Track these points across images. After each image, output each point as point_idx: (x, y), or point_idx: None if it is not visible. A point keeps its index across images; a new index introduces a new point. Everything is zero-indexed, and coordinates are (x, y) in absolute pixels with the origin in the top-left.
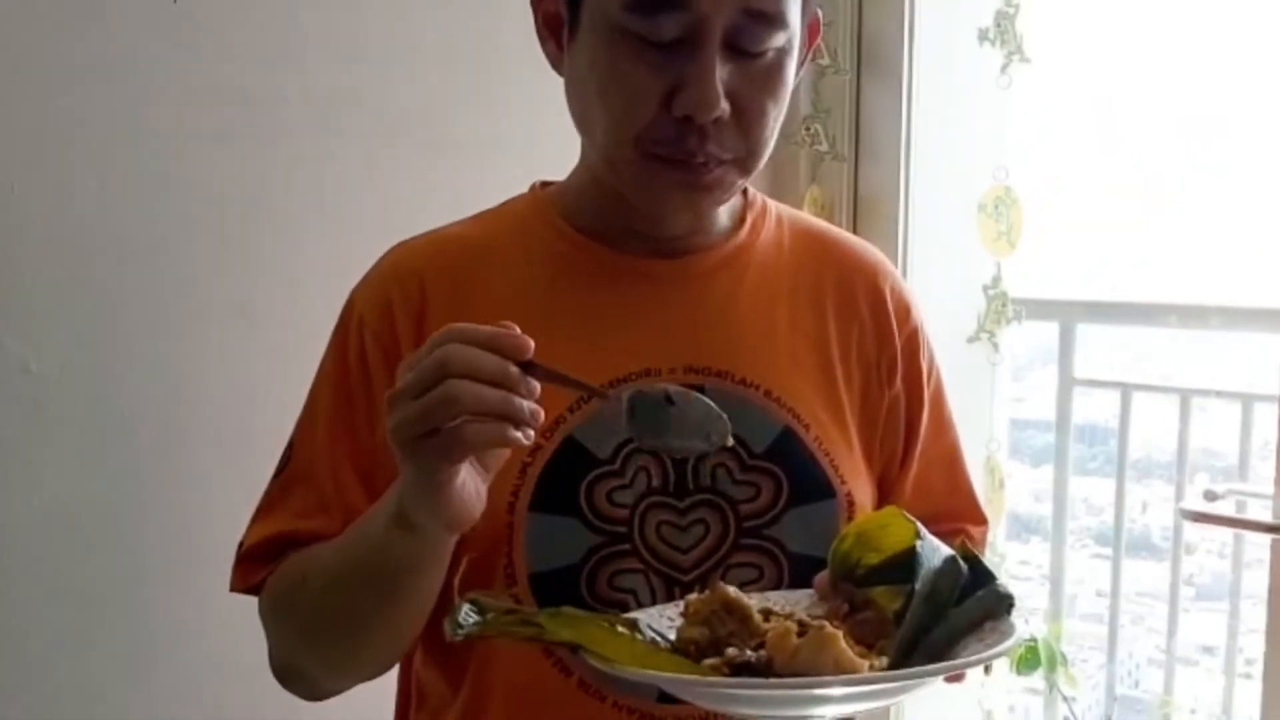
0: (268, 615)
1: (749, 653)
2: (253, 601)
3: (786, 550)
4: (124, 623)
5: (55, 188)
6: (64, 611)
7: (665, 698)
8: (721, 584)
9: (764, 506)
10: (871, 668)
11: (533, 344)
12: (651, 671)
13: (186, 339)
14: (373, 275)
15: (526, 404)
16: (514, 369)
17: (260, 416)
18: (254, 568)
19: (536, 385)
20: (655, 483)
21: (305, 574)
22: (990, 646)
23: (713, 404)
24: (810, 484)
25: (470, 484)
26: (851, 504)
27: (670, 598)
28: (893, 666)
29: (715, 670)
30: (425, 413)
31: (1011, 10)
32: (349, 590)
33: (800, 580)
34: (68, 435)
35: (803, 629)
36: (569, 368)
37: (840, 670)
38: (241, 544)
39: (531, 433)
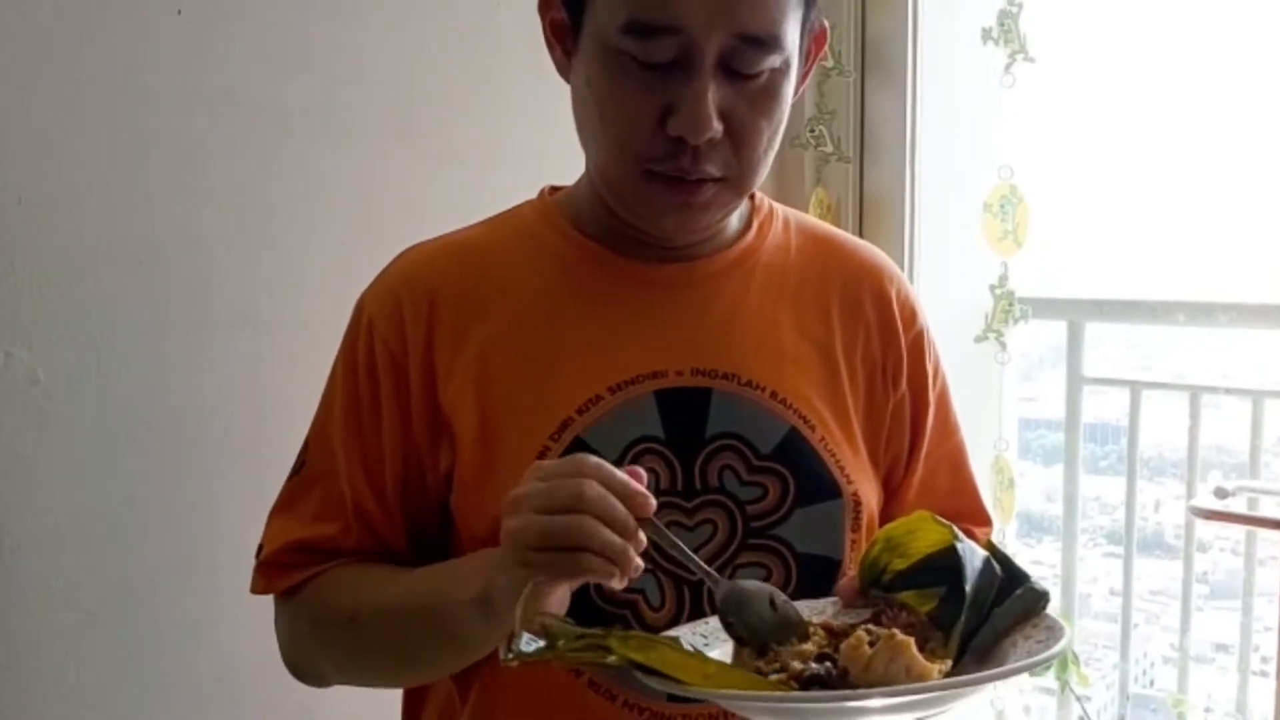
0: (300, 626)
1: (813, 665)
2: (261, 607)
3: (794, 550)
4: (134, 631)
5: (62, 198)
6: (75, 620)
7: (676, 698)
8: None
9: (771, 506)
10: (940, 672)
11: (655, 504)
12: (727, 690)
13: (194, 348)
14: (383, 280)
15: (636, 558)
16: (633, 523)
17: (268, 424)
18: (276, 573)
19: (644, 540)
20: (664, 484)
21: (354, 613)
22: (1036, 642)
23: (799, 614)
24: (817, 484)
25: (561, 591)
26: (857, 504)
27: (679, 597)
28: (954, 667)
29: (784, 685)
30: (552, 534)
31: (1014, 9)
32: (410, 641)
33: (808, 579)
34: (76, 446)
35: (872, 639)
36: (578, 371)
37: (914, 677)
38: (261, 547)
39: (625, 583)
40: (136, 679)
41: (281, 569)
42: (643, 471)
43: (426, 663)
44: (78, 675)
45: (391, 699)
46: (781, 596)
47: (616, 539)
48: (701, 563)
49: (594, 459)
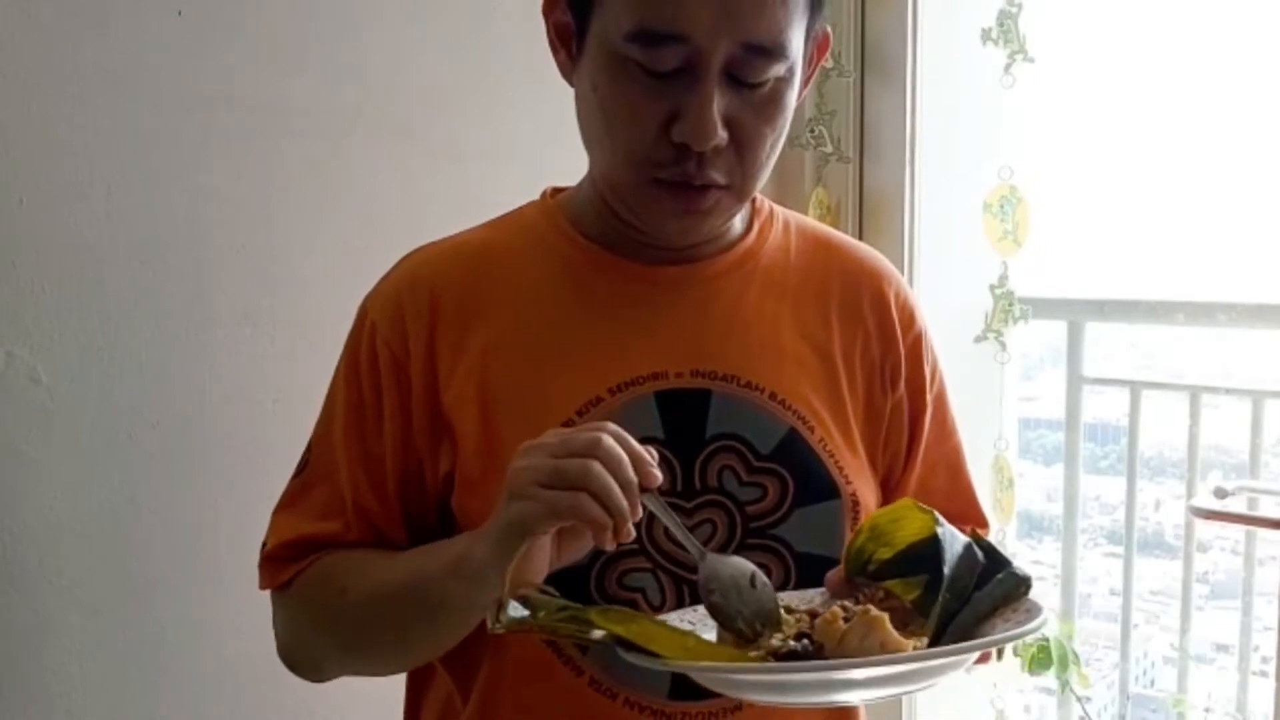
0: (295, 613)
1: (791, 642)
2: (264, 605)
3: (793, 550)
4: (136, 629)
5: (63, 198)
6: (76, 618)
7: (676, 694)
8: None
9: (770, 507)
10: (915, 649)
11: (661, 479)
12: (701, 663)
13: (195, 347)
14: (386, 283)
15: (630, 525)
16: (637, 488)
17: (269, 423)
18: (280, 567)
19: (640, 511)
20: (664, 484)
21: (345, 587)
22: (1016, 625)
23: (777, 600)
24: (815, 484)
25: (545, 552)
26: (856, 504)
27: (679, 596)
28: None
29: (762, 660)
30: (558, 471)
31: (1014, 9)
32: (397, 615)
33: (806, 579)
34: (78, 445)
35: (847, 615)
36: (579, 372)
37: (888, 652)
38: (265, 544)
39: (615, 545)
40: (138, 676)
41: (284, 563)
42: (654, 451)
43: (416, 635)
44: (80, 672)
45: (392, 699)
46: (762, 578)
47: (619, 493)
48: (694, 540)
49: (615, 427)
